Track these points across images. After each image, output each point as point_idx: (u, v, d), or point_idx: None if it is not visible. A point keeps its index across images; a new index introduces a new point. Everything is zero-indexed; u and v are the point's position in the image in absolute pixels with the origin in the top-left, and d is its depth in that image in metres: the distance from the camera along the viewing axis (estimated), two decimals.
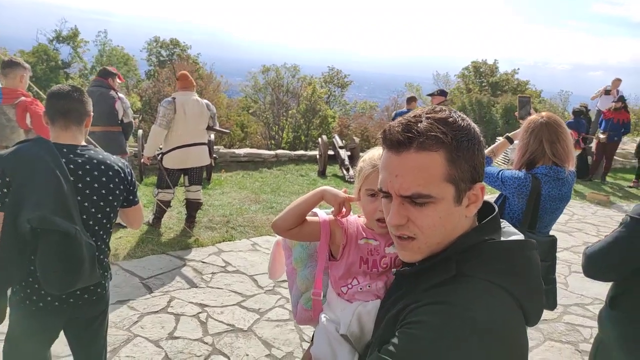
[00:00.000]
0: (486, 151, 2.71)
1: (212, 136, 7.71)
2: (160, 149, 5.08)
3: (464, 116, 0.94)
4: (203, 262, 4.44)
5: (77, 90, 1.99)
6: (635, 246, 1.80)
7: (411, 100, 8.45)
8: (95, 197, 1.91)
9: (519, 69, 32.39)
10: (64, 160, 1.84)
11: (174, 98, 4.86)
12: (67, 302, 1.92)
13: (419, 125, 0.90)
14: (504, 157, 9.13)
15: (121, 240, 4.73)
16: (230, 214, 5.86)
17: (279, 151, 10.14)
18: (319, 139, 8.89)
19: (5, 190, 1.78)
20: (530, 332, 3.65)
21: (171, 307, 3.62)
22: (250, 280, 4.18)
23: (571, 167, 2.45)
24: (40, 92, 6.62)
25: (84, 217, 1.88)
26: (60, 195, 1.77)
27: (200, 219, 5.49)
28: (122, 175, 2.01)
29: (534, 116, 2.53)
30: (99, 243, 1.95)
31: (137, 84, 26.19)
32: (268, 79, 30.09)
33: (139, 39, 35.21)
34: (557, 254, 2.51)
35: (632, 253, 1.82)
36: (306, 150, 13.63)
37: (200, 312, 3.57)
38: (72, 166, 1.86)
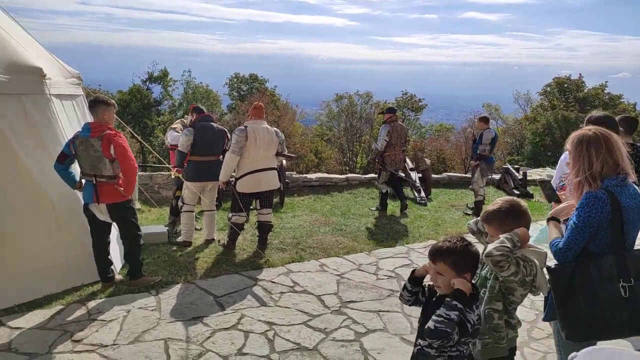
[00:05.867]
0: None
1: (284, 162, 7.99)
2: (234, 175, 5.37)
3: None
4: (272, 282, 4.57)
5: None
6: None
7: (481, 120, 8.03)
8: None
9: (607, 82, 30.18)
10: None
11: (245, 126, 5.14)
12: None
13: None
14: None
15: (198, 261, 5.02)
16: (301, 236, 6.00)
17: (350, 175, 10.22)
18: None
19: None
20: None
21: (241, 324, 3.76)
22: (317, 300, 4.23)
23: (632, 178, 2.18)
24: (128, 127, 7.31)
25: None
26: None
27: (272, 240, 5.68)
28: None
29: (580, 131, 2.25)
30: None
31: (220, 117, 27.87)
32: (342, 107, 30.71)
33: (223, 75, 37.65)
34: None
35: None
36: None
37: (268, 330, 3.68)
38: None
